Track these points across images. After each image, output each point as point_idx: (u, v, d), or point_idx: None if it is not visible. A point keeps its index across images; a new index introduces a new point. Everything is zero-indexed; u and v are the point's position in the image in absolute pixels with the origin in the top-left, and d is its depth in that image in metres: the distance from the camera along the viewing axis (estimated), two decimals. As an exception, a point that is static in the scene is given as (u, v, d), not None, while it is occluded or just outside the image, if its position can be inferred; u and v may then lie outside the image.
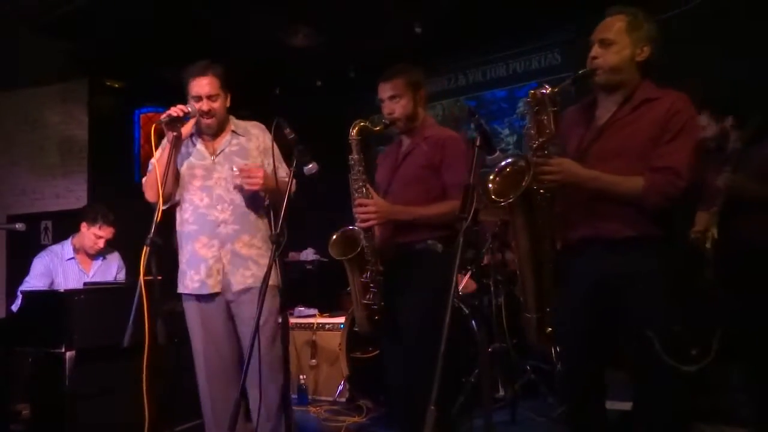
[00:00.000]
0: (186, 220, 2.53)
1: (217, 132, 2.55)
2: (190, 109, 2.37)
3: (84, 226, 3.52)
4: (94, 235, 3.49)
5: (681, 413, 1.90)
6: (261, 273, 2.38)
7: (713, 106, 2.88)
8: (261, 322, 2.11)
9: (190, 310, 2.53)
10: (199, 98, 2.45)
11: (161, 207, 2.11)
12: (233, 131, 2.56)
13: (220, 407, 2.46)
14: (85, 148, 5.56)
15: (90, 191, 5.43)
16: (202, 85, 2.44)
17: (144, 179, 2.53)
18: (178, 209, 2.58)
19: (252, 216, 2.52)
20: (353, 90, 5.61)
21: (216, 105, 2.47)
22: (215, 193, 2.48)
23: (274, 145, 2.46)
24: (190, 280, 2.49)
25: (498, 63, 5.46)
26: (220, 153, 2.53)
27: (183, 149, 2.54)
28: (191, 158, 2.53)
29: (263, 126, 2.59)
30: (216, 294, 2.46)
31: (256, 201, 2.52)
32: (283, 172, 2.55)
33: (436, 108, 5.70)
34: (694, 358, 1.86)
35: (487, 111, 5.43)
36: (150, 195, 2.45)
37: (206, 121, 2.48)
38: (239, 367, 2.41)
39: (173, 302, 2.58)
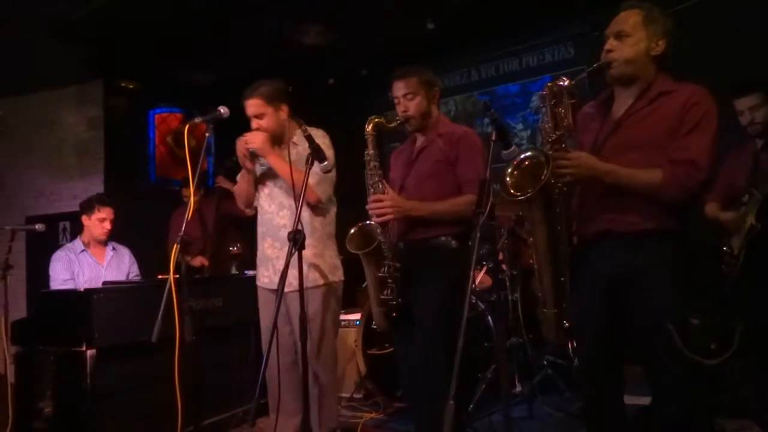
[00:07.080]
0: (259, 222, 2.85)
1: (278, 142, 2.74)
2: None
3: (85, 219, 3.66)
4: (97, 220, 3.62)
5: (701, 408, 1.87)
6: (310, 273, 2.65)
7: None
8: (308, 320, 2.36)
9: (261, 300, 2.82)
10: (250, 118, 2.71)
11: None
12: (294, 142, 2.74)
13: (280, 395, 2.59)
14: (102, 149, 5.62)
15: (107, 191, 5.49)
16: (248, 107, 2.69)
17: (234, 188, 2.96)
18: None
19: (307, 218, 2.69)
20: (366, 88, 5.60)
21: (263, 122, 2.69)
22: (277, 200, 2.77)
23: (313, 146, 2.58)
24: (262, 275, 2.81)
25: (511, 57, 5.42)
26: None
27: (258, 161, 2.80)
28: (263, 167, 2.81)
29: (322, 133, 2.72)
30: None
31: (310, 204, 2.69)
32: (311, 179, 2.62)
33: (449, 103, 5.68)
34: (714, 352, 1.84)
35: (501, 106, 5.39)
36: (239, 203, 2.90)
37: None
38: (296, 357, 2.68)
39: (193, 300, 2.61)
